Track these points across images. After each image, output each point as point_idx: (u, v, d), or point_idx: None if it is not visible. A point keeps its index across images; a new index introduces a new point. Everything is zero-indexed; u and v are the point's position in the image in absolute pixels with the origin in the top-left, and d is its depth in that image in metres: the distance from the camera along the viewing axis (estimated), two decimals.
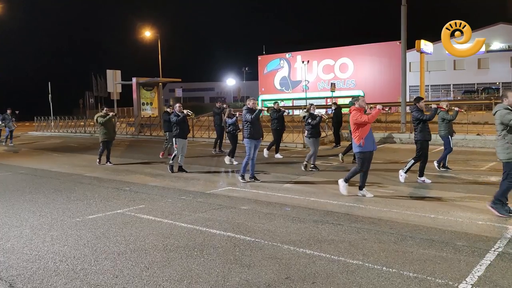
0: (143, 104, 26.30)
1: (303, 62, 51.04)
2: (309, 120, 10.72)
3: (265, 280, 4.21)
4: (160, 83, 27.24)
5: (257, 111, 9.27)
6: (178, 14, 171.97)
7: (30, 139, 25.11)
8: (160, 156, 14.02)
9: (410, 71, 45.42)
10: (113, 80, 27.90)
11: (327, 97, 42.73)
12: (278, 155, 13.50)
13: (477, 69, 49.60)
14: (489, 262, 4.53)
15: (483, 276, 4.20)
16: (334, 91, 35.12)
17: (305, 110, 11.27)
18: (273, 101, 14.51)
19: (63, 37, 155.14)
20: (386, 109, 9.03)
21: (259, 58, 58.03)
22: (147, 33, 44.50)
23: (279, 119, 13.52)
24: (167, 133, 13.84)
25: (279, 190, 8.53)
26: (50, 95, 33.07)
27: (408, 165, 8.98)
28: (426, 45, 40.77)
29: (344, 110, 18.33)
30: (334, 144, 16.44)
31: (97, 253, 5.05)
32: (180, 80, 30.49)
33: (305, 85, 49.97)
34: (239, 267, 4.55)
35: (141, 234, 5.78)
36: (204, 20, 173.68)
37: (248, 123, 9.24)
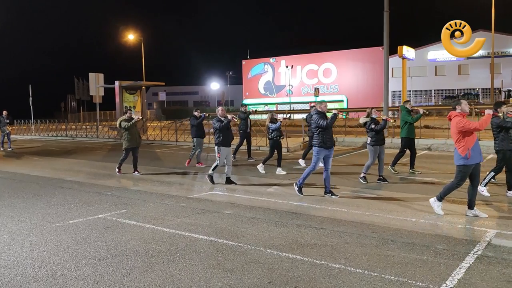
0: (126, 107, 26.10)
1: (287, 67, 51.44)
2: (372, 126, 9.52)
3: (248, 284, 4.20)
4: (143, 87, 27.04)
5: (332, 115, 8.25)
6: (162, 17, 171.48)
7: None
8: (186, 165, 12.65)
9: (392, 76, 46.06)
10: (96, 83, 27.61)
11: (310, 102, 43.02)
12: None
13: (457, 75, 50.69)
14: (469, 265, 4.60)
15: (462, 279, 4.26)
16: (317, 96, 35.52)
17: (365, 115, 10.07)
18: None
19: (45, 39, 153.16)
20: (498, 114, 7.85)
21: (244, 62, 58.20)
22: (131, 36, 44.24)
23: None
24: (194, 139, 12.81)
25: (263, 195, 8.53)
26: (30, 98, 32.59)
27: (488, 177, 8.15)
28: (408, 51, 41.44)
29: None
30: None
31: (78, 259, 4.98)
32: (163, 84, 30.35)
33: (289, 89, 50.27)
34: (222, 271, 4.53)
35: (123, 239, 5.71)
36: (188, 24, 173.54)
37: (320, 129, 8.12)
